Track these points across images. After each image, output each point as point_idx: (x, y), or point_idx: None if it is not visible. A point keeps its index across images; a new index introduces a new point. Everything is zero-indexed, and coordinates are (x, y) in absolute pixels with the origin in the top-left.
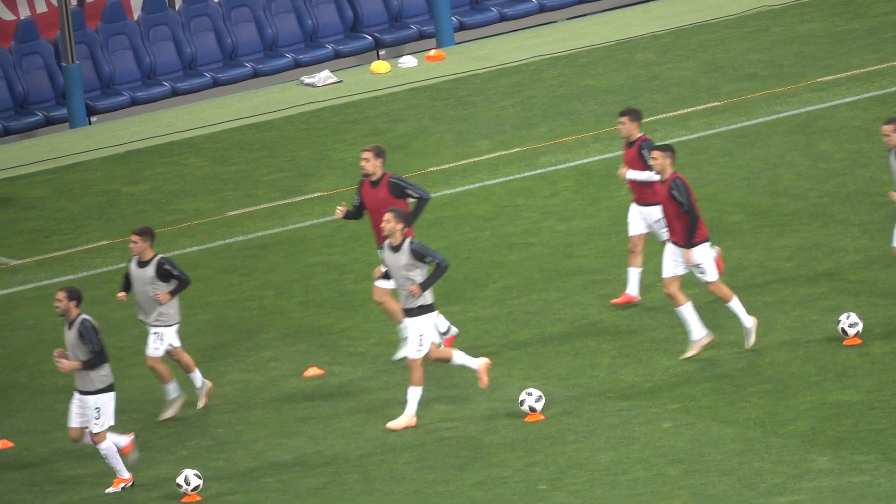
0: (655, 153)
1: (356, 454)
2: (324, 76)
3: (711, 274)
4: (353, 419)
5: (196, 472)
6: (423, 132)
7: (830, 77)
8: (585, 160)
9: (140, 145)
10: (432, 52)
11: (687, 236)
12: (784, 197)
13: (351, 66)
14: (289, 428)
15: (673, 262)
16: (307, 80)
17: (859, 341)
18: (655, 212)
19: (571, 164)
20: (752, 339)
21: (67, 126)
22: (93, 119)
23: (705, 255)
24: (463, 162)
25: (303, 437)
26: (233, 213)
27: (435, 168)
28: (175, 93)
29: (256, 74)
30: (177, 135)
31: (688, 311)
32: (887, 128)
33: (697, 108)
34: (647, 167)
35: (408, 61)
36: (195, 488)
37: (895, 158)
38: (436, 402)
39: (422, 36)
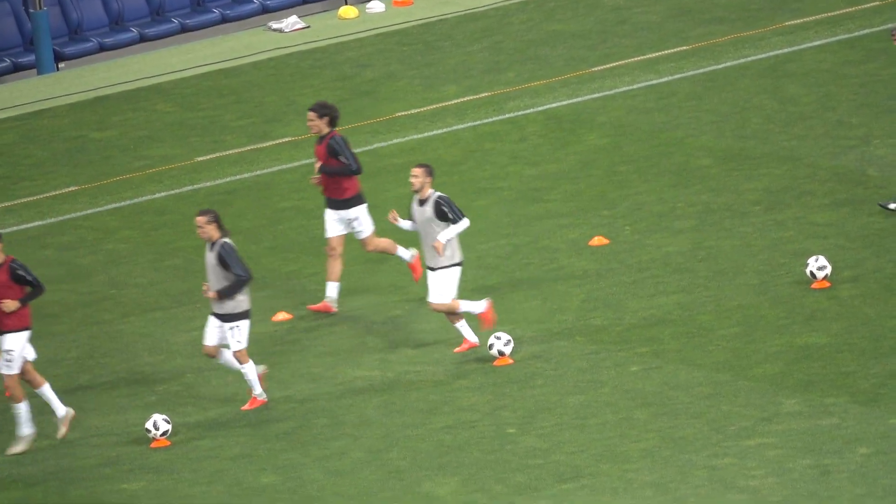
0: (417, 171)
1: (325, 398)
2: (291, 21)
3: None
4: (321, 363)
5: (165, 416)
6: (392, 77)
7: (799, 20)
8: (553, 105)
9: (108, 91)
10: None
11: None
12: (752, 140)
13: (319, 12)
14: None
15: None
16: (275, 25)
17: (828, 284)
18: (352, 212)
19: (539, 108)
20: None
21: (35, 72)
22: (61, 65)
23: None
24: (431, 107)
25: (271, 381)
26: (201, 158)
27: (403, 113)
28: (143, 39)
29: (224, 20)
30: (145, 81)
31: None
32: (416, 170)
33: (665, 52)
34: (338, 162)
35: (375, 6)
36: (164, 433)
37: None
38: (404, 345)
39: None
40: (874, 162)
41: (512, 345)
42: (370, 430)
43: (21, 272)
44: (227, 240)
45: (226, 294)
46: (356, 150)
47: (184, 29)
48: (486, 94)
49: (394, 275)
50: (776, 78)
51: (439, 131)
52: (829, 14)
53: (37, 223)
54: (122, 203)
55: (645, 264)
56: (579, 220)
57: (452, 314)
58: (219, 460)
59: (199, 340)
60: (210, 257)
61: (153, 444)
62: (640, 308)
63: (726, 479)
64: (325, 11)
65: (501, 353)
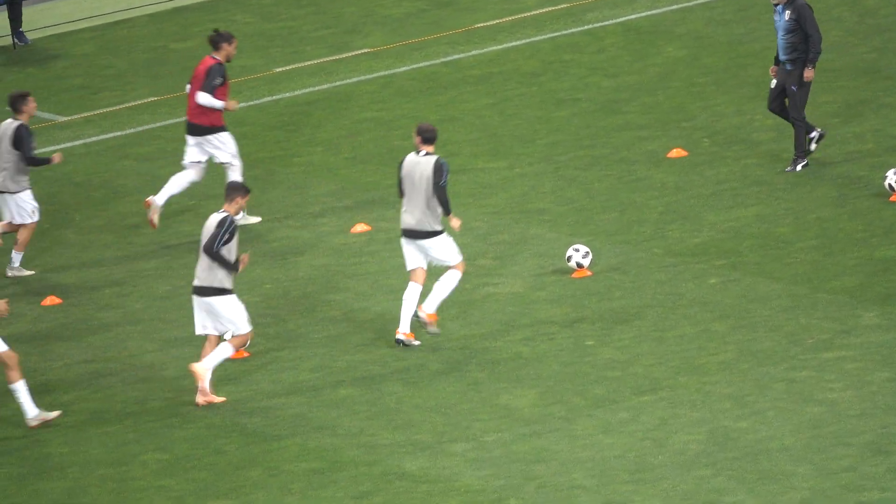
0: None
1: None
2: None
3: None
4: (398, 275)
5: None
6: None
7: None
8: (632, 16)
9: (187, 2)
10: None
11: None
12: (832, 53)
13: None
14: (337, 283)
15: None
16: None
17: None
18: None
19: (618, 20)
20: None
21: None
22: None
23: None
24: (509, 18)
25: (350, 292)
26: (280, 69)
27: (482, 24)
28: None
29: None
30: None
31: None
32: None
33: None
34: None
35: None
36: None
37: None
38: (482, 257)
39: None
40: None
41: (591, 256)
42: (449, 342)
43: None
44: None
45: None
46: (439, 61)
47: None
48: (565, 5)
49: (473, 186)
50: None
51: (518, 42)
52: None
53: (116, 133)
54: None
55: (723, 176)
56: (658, 133)
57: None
58: (297, 371)
59: (278, 250)
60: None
61: (233, 356)
62: (719, 221)
63: (804, 392)
64: None
65: (580, 265)
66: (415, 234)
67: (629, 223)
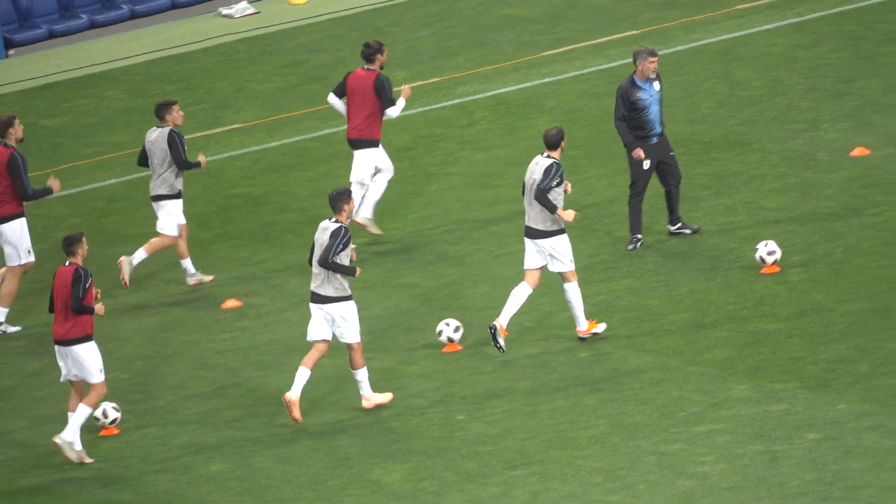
0: None
1: (275, 386)
2: (241, 7)
3: None
4: (270, 350)
5: (114, 405)
6: (342, 63)
7: (749, 4)
8: (503, 90)
9: (58, 78)
10: None
11: None
12: (702, 125)
13: None
14: (207, 360)
15: None
16: (225, 11)
17: (777, 269)
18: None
19: (489, 93)
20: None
21: None
22: (10, 52)
23: None
24: None
25: (221, 369)
26: None
27: None
28: (93, 25)
29: (174, 6)
30: (94, 67)
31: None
32: None
33: (616, 36)
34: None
35: None
36: (113, 421)
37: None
38: None
39: None
40: (823, 146)
41: (461, 331)
42: (320, 417)
43: None
44: None
45: None
46: (311, 136)
47: (134, 15)
48: (436, 79)
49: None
50: (726, 62)
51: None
52: None
53: None
54: (72, 190)
55: (595, 249)
56: None
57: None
58: (168, 448)
59: (148, 327)
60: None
61: (102, 433)
62: (591, 294)
63: (676, 466)
64: None
65: (451, 340)
66: (531, 234)
67: (500, 297)
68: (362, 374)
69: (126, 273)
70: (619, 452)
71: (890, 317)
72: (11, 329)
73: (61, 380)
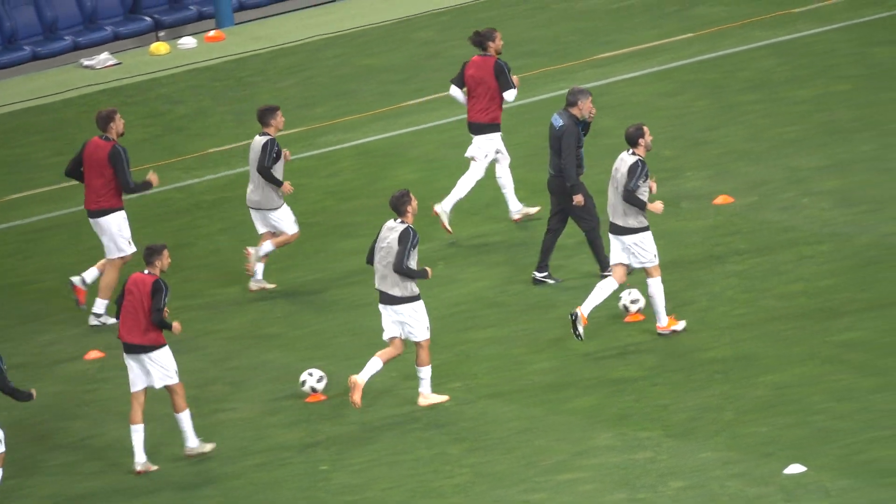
0: None
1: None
2: (103, 58)
3: None
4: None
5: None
6: (203, 113)
7: (610, 53)
8: (365, 139)
9: None
10: (212, 33)
11: None
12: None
13: (130, 48)
14: (70, 411)
15: None
16: (86, 62)
17: (641, 317)
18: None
19: (351, 143)
20: None
21: None
22: None
23: None
24: (243, 143)
25: (84, 420)
26: (11, 196)
27: (215, 149)
28: None
29: (35, 57)
30: None
31: None
32: None
33: None
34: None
35: (187, 42)
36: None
37: None
38: (216, 382)
39: (201, 17)
40: (687, 195)
41: (325, 381)
42: (181, 468)
43: None
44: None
45: None
46: (173, 186)
47: None
48: (298, 129)
49: (207, 312)
50: None
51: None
52: (641, 46)
53: None
54: None
55: (457, 299)
56: None
57: None
58: (31, 499)
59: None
60: None
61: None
62: (453, 343)
63: None
64: (136, 48)
65: (314, 390)
66: (615, 230)
67: (363, 346)
68: (425, 373)
69: (253, 264)
70: (484, 501)
71: (753, 364)
72: (111, 321)
73: (134, 389)
